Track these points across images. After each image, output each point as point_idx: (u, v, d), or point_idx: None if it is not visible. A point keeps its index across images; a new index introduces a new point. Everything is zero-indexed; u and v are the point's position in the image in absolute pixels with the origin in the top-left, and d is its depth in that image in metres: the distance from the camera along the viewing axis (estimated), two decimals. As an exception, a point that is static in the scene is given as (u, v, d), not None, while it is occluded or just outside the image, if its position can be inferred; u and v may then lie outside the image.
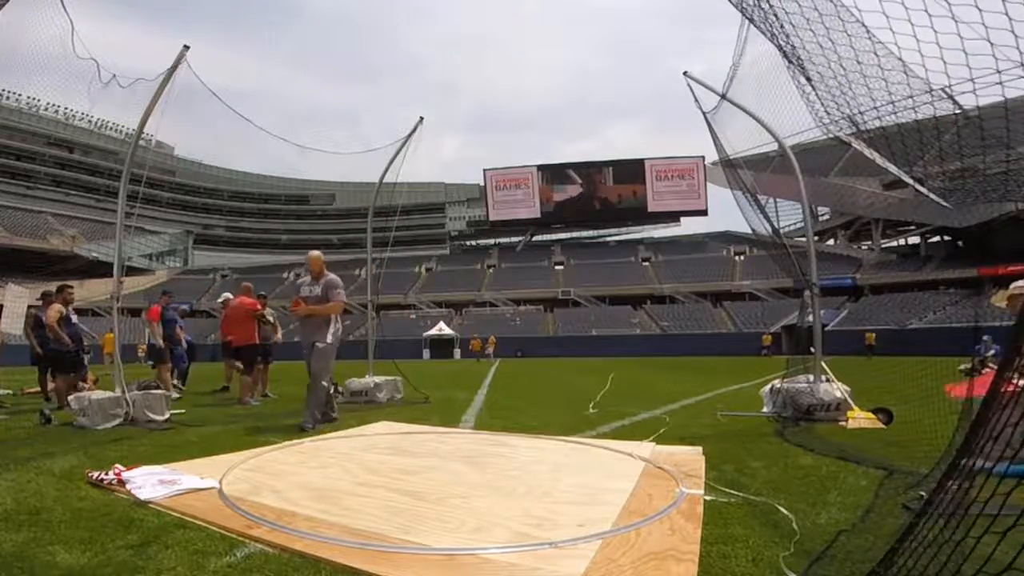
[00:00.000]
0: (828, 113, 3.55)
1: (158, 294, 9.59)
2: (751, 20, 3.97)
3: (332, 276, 5.61)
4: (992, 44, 2.01)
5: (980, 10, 1.94)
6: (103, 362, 14.05)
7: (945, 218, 32.19)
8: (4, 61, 5.33)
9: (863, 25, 2.81)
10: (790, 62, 3.80)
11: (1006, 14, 1.87)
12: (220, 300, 9.61)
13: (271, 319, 8.76)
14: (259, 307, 8.24)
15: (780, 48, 3.83)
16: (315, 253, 5.81)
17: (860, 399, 5.41)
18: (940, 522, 1.32)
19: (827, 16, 2.89)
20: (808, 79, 3.60)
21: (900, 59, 2.79)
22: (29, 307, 8.12)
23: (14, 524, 2.32)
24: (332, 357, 5.52)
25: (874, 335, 28.01)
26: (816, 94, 3.58)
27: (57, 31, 5.01)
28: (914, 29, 2.34)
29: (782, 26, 3.44)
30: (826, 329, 25.03)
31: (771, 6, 3.33)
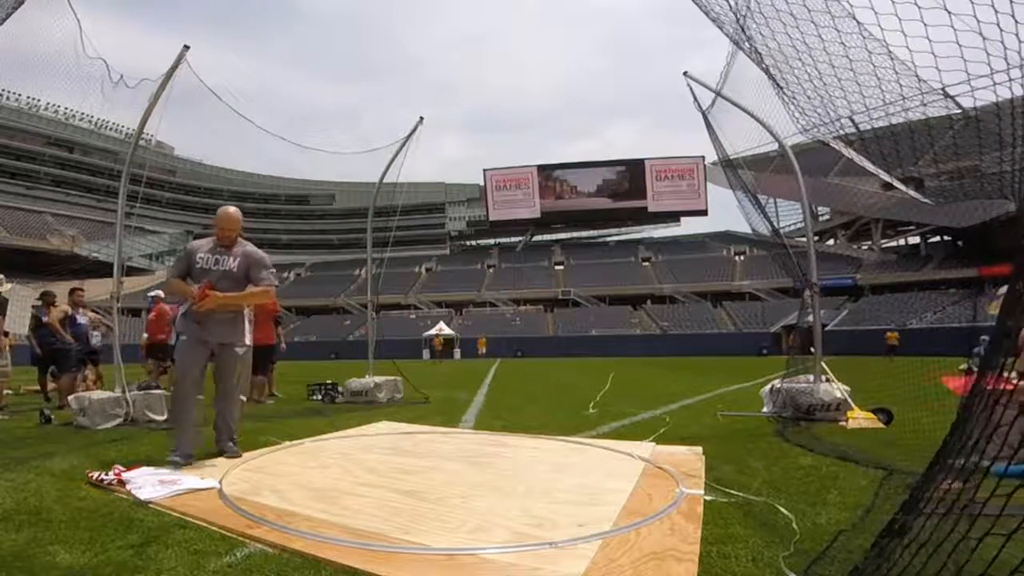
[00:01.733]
0: (806, 115, 3.56)
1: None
2: (720, 27, 3.96)
3: (253, 247, 3.90)
4: (961, 46, 2.03)
5: (949, 12, 1.95)
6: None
7: (945, 218, 32.17)
8: (17, 63, 5.34)
9: (836, 29, 2.82)
10: (762, 69, 3.81)
11: (974, 15, 1.88)
12: (151, 295, 8.84)
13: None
14: (278, 308, 8.26)
15: (749, 55, 3.84)
16: (233, 209, 3.88)
17: (860, 400, 5.41)
18: (929, 520, 1.32)
19: (802, 21, 2.89)
20: (778, 85, 3.61)
21: (872, 62, 2.80)
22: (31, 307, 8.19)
23: (14, 524, 2.32)
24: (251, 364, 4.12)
25: (897, 335, 26.69)
26: (787, 97, 3.59)
27: (66, 32, 5.03)
28: (884, 34, 2.36)
29: (751, 32, 3.45)
30: (827, 329, 25.02)
31: (749, 10, 3.33)
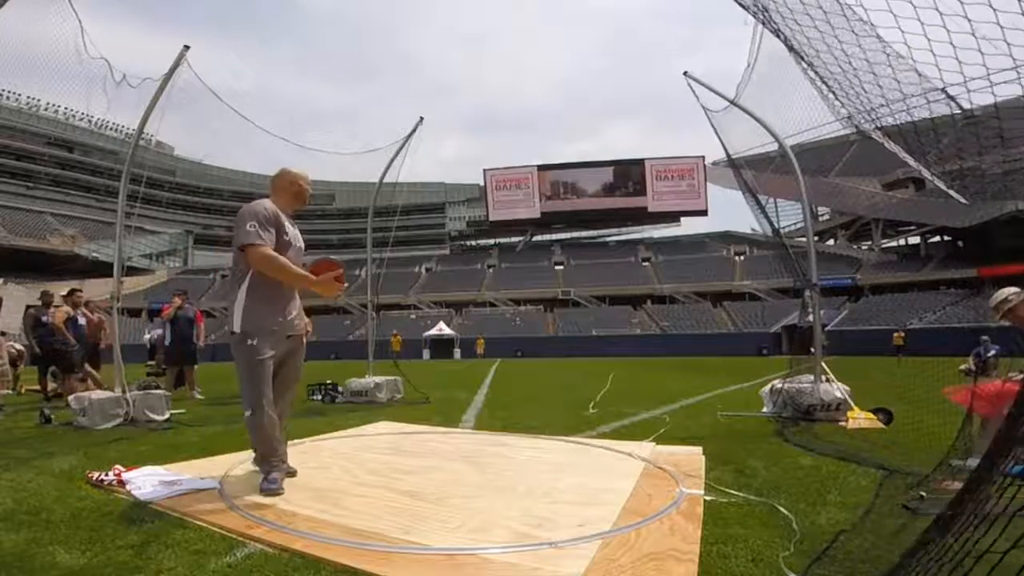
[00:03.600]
0: (844, 106, 3.54)
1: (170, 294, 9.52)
2: (757, 18, 3.96)
3: None
4: (980, 39, 2.02)
5: (969, 20, 1.95)
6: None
7: (945, 218, 32.20)
8: (17, 64, 5.33)
9: (847, 25, 2.81)
10: (800, 59, 3.79)
11: (991, 7, 1.87)
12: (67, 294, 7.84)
13: None
14: None
15: (789, 47, 3.82)
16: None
17: (861, 399, 5.41)
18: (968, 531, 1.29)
19: (817, 19, 2.89)
20: (820, 76, 3.59)
21: (891, 65, 2.79)
22: (28, 307, 8.19)
23: (14, 524, 2.32)
24: None
25: (903, 335, 26.53)
26: (829, 88, 3.57)
27: (67, 32, 5.02)
28: (901, 33, 2.35)
29: (787, 25, 3.44)
30: (826, 328, 24.95)
31: (775, 5, 3.33)
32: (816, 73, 3.61)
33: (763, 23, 3.93)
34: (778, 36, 3.83)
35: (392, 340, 26.70)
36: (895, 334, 26.65)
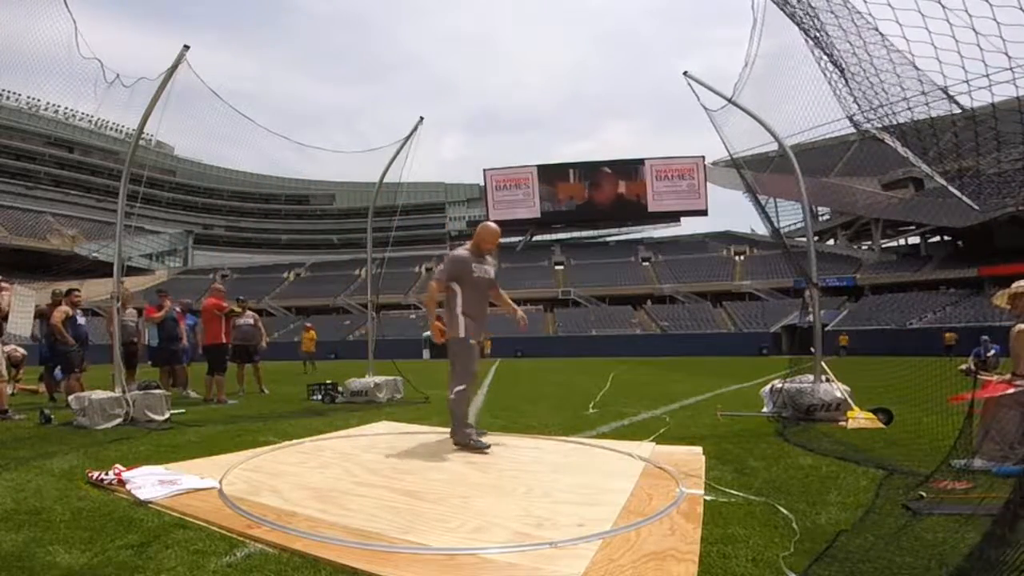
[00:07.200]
0: (859, 107, 3.52)
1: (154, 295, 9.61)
2: (789, 15, 3.93)
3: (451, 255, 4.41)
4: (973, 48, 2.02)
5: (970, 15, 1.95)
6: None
7: (945, 218, 32.18)
8: (10, 62, 5.34)
9: (880, 32, 2.80)
10: (826, 54, 3.76)
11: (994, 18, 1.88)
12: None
13: (251, 320, 8.96)
14: (224, 306, 8.28)
15: (816, 40, 3.79)
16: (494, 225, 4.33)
17: (860, 399, 5.41)
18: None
19: (842, 17, 2.88)
20: (842, 72, 3.57)
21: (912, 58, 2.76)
22: (37, 307, 8.21)
23: (14, 524, 2.32)
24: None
25: (955, 335, 25.42)
26: (849, 87, 3.55)
27: (61, 32, 5.02)
28: (928, 34, 2.35)
29: (814, 20, 3.43)
30: (827, 329, 24.91)
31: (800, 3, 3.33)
32: (839, 69, 3.59)
33: (797, 21, 3.89)
34: (807, 34, 3.80)
35: (303, 338, 18.23)
36: (946, 334, 25.95)
